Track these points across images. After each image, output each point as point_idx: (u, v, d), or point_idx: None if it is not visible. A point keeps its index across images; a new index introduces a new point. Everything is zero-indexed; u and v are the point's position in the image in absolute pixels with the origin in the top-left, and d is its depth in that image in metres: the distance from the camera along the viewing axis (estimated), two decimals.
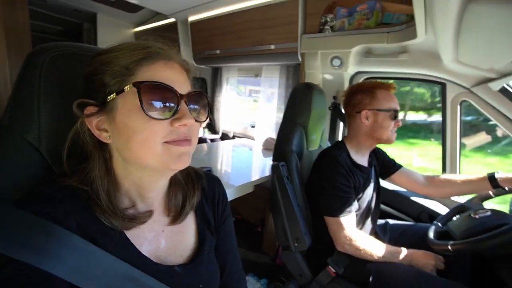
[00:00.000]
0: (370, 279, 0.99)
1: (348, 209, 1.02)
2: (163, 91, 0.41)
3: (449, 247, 0.81)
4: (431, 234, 0.96)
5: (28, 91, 0.46)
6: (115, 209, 0.43)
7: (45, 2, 2.64)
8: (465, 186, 1.10)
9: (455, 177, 1.15)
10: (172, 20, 2.54)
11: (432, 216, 1.31)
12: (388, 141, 1.11)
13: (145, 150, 0.41)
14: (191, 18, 2.37)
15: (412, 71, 1.38)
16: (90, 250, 0.39)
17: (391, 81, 1.54)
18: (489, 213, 0.86)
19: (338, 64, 1.54)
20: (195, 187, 0.56)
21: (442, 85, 1.34)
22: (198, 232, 0.56)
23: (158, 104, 0.40)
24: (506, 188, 0.99)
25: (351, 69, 1.56)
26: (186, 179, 0.56)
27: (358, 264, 1.04)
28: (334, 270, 1.04)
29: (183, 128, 0.42)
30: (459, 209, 1.04)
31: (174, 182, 0.54)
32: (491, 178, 1.01)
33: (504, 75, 1.01)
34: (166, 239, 0.51)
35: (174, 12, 2.35)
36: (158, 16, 2.78)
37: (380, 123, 1.08)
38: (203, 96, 0.48)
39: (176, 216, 0.52)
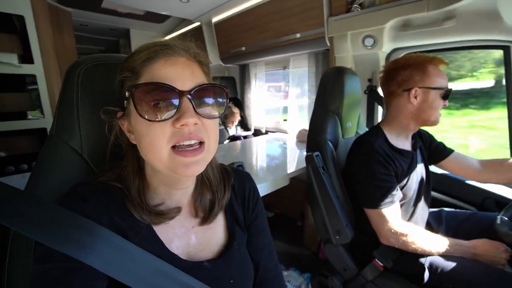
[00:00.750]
0: (425, 274, 0.89)
1: (390, 200, 0.93)
2: (160, 92, 0.39)
3: None
4: (501, 224, 0.82)
5: (68, 101, 0.51)
6: (144, 205, 0.44)
7: (87, 26, 2.94)
8: None
9: None
10: (197, 24, 2.62)
11: (500, 203, 1.13)
12: (434, 123, 0.98)
13: (152, 154, 0.41)
14: (215, 19, 2.42)
15: (463, 39, 1.20)
16: (120, 243, 0.40)
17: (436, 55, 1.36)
18: None
19: (371, 44, 1.42)
20: (226, 188, 0.55)
21: (505, 49, 1.14)
22: (228, 228, 0.56)
23: (156, 105, 0.38)
24: None
25: (387, 47, 1.42)
26: (216, 179, 0.55)
27: (410, 257, 0.94)
28: (381, 264, 0.97)
29: (186, 128, 0.39)
30: None
31: (201, 181, 0.53)
32: None
33: None
34: (196, 235, 0.51)
35: (197, 15, 2.42)
36: (184, 22, 2.90)
37: (430, 103, 0.96)
38: (217, 89, 0.44)
39: (205, 217, 0.52)
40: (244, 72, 2.87)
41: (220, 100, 0.44)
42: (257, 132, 2.92)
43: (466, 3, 1.00)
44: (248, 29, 2.19)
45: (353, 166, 1.05)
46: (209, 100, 0.43)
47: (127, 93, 0.40)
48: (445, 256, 0.89)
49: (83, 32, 3.14)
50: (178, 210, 0.48)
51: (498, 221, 0.83)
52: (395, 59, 1.05)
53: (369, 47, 1.43)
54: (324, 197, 1.06)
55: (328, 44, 1.64)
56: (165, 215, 0.46)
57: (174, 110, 0.39)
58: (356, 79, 1.24)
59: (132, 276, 0.39)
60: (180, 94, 0.39)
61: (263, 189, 1.26)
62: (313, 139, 1.16)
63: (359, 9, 1.43)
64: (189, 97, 0.39)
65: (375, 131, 1.06)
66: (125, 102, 0.42)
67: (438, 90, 0.95)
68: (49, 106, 1.64)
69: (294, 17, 1.79)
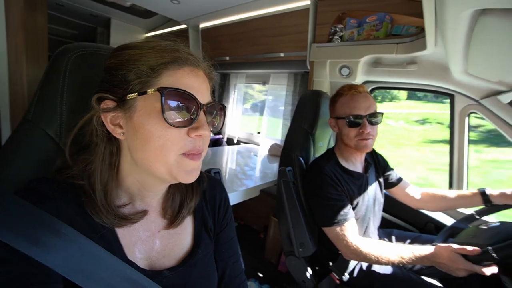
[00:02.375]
0: (375, 286, 0.98)
1: (343, 217, 0.97)
2: (185, 99, 0.40)
3: (492, 253, 0.70)
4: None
5: (52, 88, 0.49)
6: (109, 205, 0.42)
7: (63, 6, 2.75)
8: (458, 201, 1.10)
9: (449, 193, 1.14)
10: (183, 26, 2.61)
11: (438, 227, 1.30)
12: (358, 149, 1.04)
13: (158, 158, 0.40)
14: (202, 25, 2.44)
15: (421, 82, 1.39)
16: (82, 242, 0.37)
17: (399, 92, 1.54)
18: (498, 223, 0.85)
19: (347, 74, 1.56)
20: (194, 191, 0.55)
21: (451, 97, 1.34)
22: (195, 234, 0.55)
23: (178, 112, 0.39)
24: (494, 203, 1.01)
25: (360, 79, 1.57)
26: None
27: (363, 271, 1.03)
28: (337, 277, 1.03)
29: (199, 139, 0.42)
30: (452, 230, 1.04)
31: (173, 184, 0.53)
32: (483, 193, 1.02)
33: None
34: (162, 240, 0.50)
35: (186, 18, 2.42)
36: (170, 22, 2.87)
37: (341, 131, 1.07)
38: (222, 108, 0.48)
39: (172, 220, 0.51)
40: (224, 80, 2.91)
41: (221, 116, 0.48)
42: (229, 141, 2.93)
43: (426, 53, 1.17)
44: (235, 40, 2.25)
45: (308, 187, 1.11)
46: (215, 116, 0.47)
47: (150, 90, 0.39)
48: (392, 270, 0.99)
49: (58, 12, 2.92)
50: (143, 213, 0.47)
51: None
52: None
53: (345, 76, 1.57)
54: (292, 211, 1.11)
55: (309, 67, 1.75)
56: (129, 219, 0.44)
57: (191, 121, 0.41)
58: None
59: (94, 281, 0.37)
60: (201, 106, 0.41)
61: (233, 198, 1.27)
62: (286, 154, 1.22)
63: (339, 41, 1.58)
64: (205, 110, 0.43)
65: (328, 155, 1.14)
66: (132, 95, 0.40)
67: (342, 119, 1.04)
68: (7, 86, 1.48)
69: (282, 37, 1.89)
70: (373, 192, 1.14)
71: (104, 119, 0.42)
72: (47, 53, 1.66)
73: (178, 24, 2.62)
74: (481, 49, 0.85)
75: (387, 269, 1.01)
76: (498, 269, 0.73)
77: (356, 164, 1.13)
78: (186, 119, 0.40)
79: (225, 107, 0.49)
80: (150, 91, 0.39)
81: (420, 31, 1.23)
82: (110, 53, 0.43)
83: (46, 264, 0.33)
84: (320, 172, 1.04)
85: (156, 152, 0.40)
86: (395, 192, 1.26)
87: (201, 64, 0.44)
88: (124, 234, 0.45)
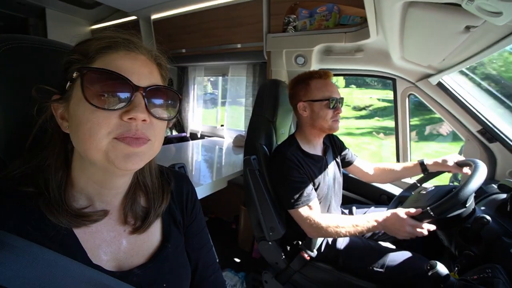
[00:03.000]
0: (340, 258, 1.08)
1: (306, 199, 1.04)
2: (114, 81, 0.38)
3: (430, 211, 0.83)
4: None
5: None
6: (63, 203, 0.39)
7: None
8: (404, 172, 1.27)
9: (395, 166, 1.30)
10: (133, 17, 2.43)
11: (389, 197, 1.46)
12: (330, 130, 1.13)
13: (89, 142, 0.37)
14: (154, 16, 2.30)
15: (368, 68, 1.52)
16: (36, 251, 0.34)
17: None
18: (433, 187, 1.00)
19: (302, 62, 1.63)
20: (164, 195, 0.53)
21: (393, 81, 1.50)
22: (163, 230, 0.54)
23: (105, 94, 0.37)
24: (430, 171, 1.19)
25: (314, 67, 1.66)
26: (154, 185, 0.53)
27: (329, 246, 1.12)
28: (307, 254, 1.11)
29: (134, 122, 0.38)
30: (399, 199, 1.21)
31: (135, 185, 0.51)
32: (421, 164, 1.19)
33: (439, 71, 1.18)
34: (128, 239, 0.48)
35: (135, 9, 2.25)
36: (118, 13, 2.64)
37: (317, 113, 1.10)
38: (171, 93, 0.45)
39: (137, 226, 0.49)
40: (183, 74, 2.81)
41: (172, 103, 0.45)
42: (192, 136, 2.87)
43: (370, 41, 1.29)
44: (190, 32, 2.17)
45: (272, 172, 1.16)
46: (162, 102, 0.43)
47: (74, 74, 0.38)
48: (354, 241, 1.10)
49: None
50: (104, 213, 0.44)
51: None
52: (292, 78, 1.21)
53: (300, 65, 1.64)
54: (260, 197, 1.15)
55: (266, 57, 1.79)
56: (87, 217, 0.42)
57: (124, 103, 0.38)
58: None
59: None
60: (135, 88, 0.38)
61: (201, 191, 1.27)
62: (250, 143, 1.25)
63: (293, 31, 1.63)
64: (143, 93, 0.39)
65: (289, 140, 1.21)
66: (67, 84, 0.39)
67: (321, 102, 1.10)
68: None
69: (237, 28, 1.88)
70: (333, 172, 1.23)
71: (55, 113, 0.41)
72: None
73: (127, 15, 2.43)
74: (413, 37, 0.96)
75: (349, 241, 1.12)
76: (436, 226, 0.87)
77: (316, 147, 1.21)
78: (117, 102, 0.38)
79: (178, 94, 0.46)
80: (75, 74, 0.38)
81: (364, 21, 1.34)
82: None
83: None
84: (283, 158, 1.09)
85: (85, 137, 0.37)
86: (351, 169, 1.39)
87: (141, 48, 0.43)
88: (86, 238, 0.42)
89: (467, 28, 0.71)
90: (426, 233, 0.85)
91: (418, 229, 0.85)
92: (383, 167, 1.33)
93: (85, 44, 0.41)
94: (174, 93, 0.45)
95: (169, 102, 0.44)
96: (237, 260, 1.90)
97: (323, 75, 1.12)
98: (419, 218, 0.87)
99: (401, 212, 0.90)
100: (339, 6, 1.51)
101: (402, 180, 1.46)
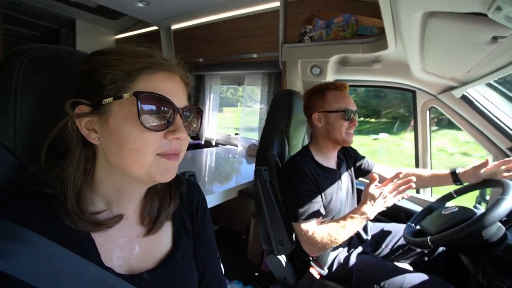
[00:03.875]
0: (353, 277, 1.02)
1: (309, 216, 1.01)
2: (161, 103, 0.41)
3: (429, 242, 0.84)
4: (407, 233, 1.00)
5: (3, 92, 0.45)
6: (81, 211, 0.41)
7: (19, 5, 2.56)
8: (432, 180, 1.18)
9: (423, 172, 1.21)
10: (154, 28, 2.55)
11: (408, 215, 1.38)
12: (344, 142, 1.11)
13: (135, 160, 0.41)
14: (174, 27, 2.39)
15: (385, 79, 1.47)
16: (48, 247, 0.36)
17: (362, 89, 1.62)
18: (456, 209, 0.92)
19: (318, 73, 1.61)
20: (172, 196, 0.55)
21: (413, 93, 1.44)
22: (174, 236, 0.55)
23: (154, 116, 0.40)
24: (464, 184, 1.07)
25: (330, 77, 1.63)
26: (163, 187, 0.55)
27: (341, 264, 1.07)
28: (317, 271, 1.06)
29: (175, 141, 0.43)
30: (428, 210, 1.11)
31: (151, 189, 0.53)
32: (453, 173, 1.09)
33: (464, 83, 1.12)
34: (141, 245, 0.50)
35: (157, 20, 2.36)
36: (140, 23, 2.77)
37: (332, 124, 1.08)
38: (199, 111, 0.50)
39: (151, 226, 0.51)
40: (199, 83, 2.87)
41: (198, 120, 0.50)
42: (207, 144, 2.90)
43: (388, 52, 1.25)
44: (208, 42, 2.23)
45: (284, 183, 1.14)
46: (191, 120, 0.48)
47: (125, 95, 0.40)
48: (368, 261, 1.05)
49: (14, 12, 2.71)
50: (119, 218, 0.46)
51: (406, 233, 1.01)
52: (308, 89, 1.20)
53: (316, 75, 1.62)
54: (270, 209, 1.13)
55: (281, 67, 1.79)
56: (103, 224, 0.44)
57: (168, 124, 0.42)
58: (302, 102, 1.39)
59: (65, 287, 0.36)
60: (177, 110, 0.42)
61: (212, 200, 1.27)
62: (262, 154, 1.23)
63: (310, 41, 1.62)
64: (181, 113, 0.44)
65: (303, 151, 1.18)
66: (107, 100, 0.40)
67: (337, 113, 1.08)
68: None
69: (254, 38, 1.91)
70: (346, 187, 1.19)
71: (79, 124, 0.41)
72: (2, 55, 1.54)
73: (149, 25, 2.55)
74: (434, 49, 0.92)
75: (363, 260, 1.06)
76: (457, 249, 0.80)
77: (330, 160, 1.18)
78: (162, 122, 0.41)
79: (202, 111, 0.51)
80: (126, 95, 0.39)
81: (382, 32, 1.30)
82: (85, 58, 0.43)
83: (8, 272, 0.32)
84: (296, 168, 1.07)
85: (132, 155, 0.40)
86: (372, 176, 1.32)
87: (176, 69, 0.45)
88: (102, 242, 0.44)
89: (495, 38, 0.66)
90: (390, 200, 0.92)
91: (382, 198, 0.91)
92: (408, 173, 1.23)
93: (123, 60, 0.41)
94: (200, 111, 0.50)
95: (197, 119, 0.50)
96: (246, 272, 1.85)
97: (339, 86, 1.12)
98: (418, 245, 0.88)
99: (368, 189, 0.93)
100: (357, 16, 1.49)
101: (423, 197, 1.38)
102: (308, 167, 1.07)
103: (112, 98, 0.40)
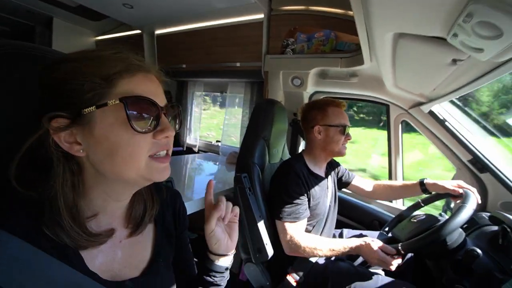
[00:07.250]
0: (329, 283, 1.04)
1: (295, 216, 1.07)
2: (146, 105, 0.41)
3: (400, 248, 0.90)
4: (381, 240, 1.05)
5: None
6: (79, 226, 0.40)
7: None
8: (403, 191, 1.29)
9: (395, 183, 1.33)
10: (137, 31, 2.50)
11: (381, 223, 1.44)
12: (339, 154, 1.21)
13: (129, 165, 0.40)
14: (158, 31, 2.37)
15: (362, 93, 1.55)
16: (25, 253, 0.35)
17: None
18: (423, 217, 0.98)
19: (298, 84, 1.67)
20: (154, 199, 0.56)
21: (387, 106, 1.52)
22: (156, 243, 0.55)
23: (142, 118, 0.40)
24: (433, 193, 1.15)
25: (310, 89, 1.69)
26: (146, 190, 0.56)
27: (317, 271, 1.08)
28: (294, 279, 1.07)
29: (165, 139, 0.44)
30: (399, 218, 1.18)
31: (136, 192, 0.52)
32: (421, 183, 1.17)
33: (430, 100, 1.21)
34: (123, 250, 0.49)
35: (140, 24, 2.33)
36: (123, 26, 2.71)
37: (331, 137, 1.18)
38: (176, 107, 0.50)
39: (135, 228, 0.51)
40: (182, 89, 2.85)
41: (178, 117, 0.51)
42: (189, 151, 2.86)
43: (364, 67, 1.33)
44: (192, 48, 2.23)
45: (274, 184, 1.19)
46: (173, 116, 0.49)
47: (111, 102, 0.38)
48: (343, 267, 1.07)
49: None
50: (110, 233, 0.46)
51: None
52: (308, 102, 1.30)
53: (296, 86, 1.68)
54: (248, 217, 1.12)
55: (263, 77, 1.83)
56: (96, 239, 0.43)
57: (154, 123, 0.42)
58: (284, 112, 1.42)
59: None
60: (161, 109, 0.43)
61: (190, 207, 1.24)
62: (242, 161, 1.24)
63: (291, 53, 1.68)
64: (165, 112, 0.45)
65: (297, 157, 1.26)
66: (86, 109, 0.37)
67: (336, 127, 1.17)
68: None
69: (237, 47, 1.94)
70: (331, 194, 1.27)
71: (57, 139, 0.38)
72: None
73: (132, 28, 2.50)
74: (404, 66, 0.99)
75: (338, 267, 1.09)
76: (423, 255, 0.85)
77: (321, 168, 1.26)
78: (150, 124, 0.42)
79: (179, 106, 0.52)
80: (110, 102, 0.38)
81: (358, 48, 1.38)
82: (46, 67, 0.39)
83: None
84: (290, 169, 1.14)
85: (125, 160, 0.40)
86: (351, 188, 1.41)
87: (153, 69, 0.45)
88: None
89: (454, 61, 0.73)
90: (393, 269, 0.93)
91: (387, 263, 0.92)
92: (382, 184, 1.35)
93: (99, 66, 0.39)
94: (177, 107, 0.51)
95: (177, 115, 0.51)
96: None
97: (339, 104, 1.22)
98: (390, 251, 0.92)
99: (375, 245, 0.95)
100: (336, 32, 1.57)
101: (395, 206, 1.45)
102: (301, 170, 1.15)
103: (94, 106, 0.38)
